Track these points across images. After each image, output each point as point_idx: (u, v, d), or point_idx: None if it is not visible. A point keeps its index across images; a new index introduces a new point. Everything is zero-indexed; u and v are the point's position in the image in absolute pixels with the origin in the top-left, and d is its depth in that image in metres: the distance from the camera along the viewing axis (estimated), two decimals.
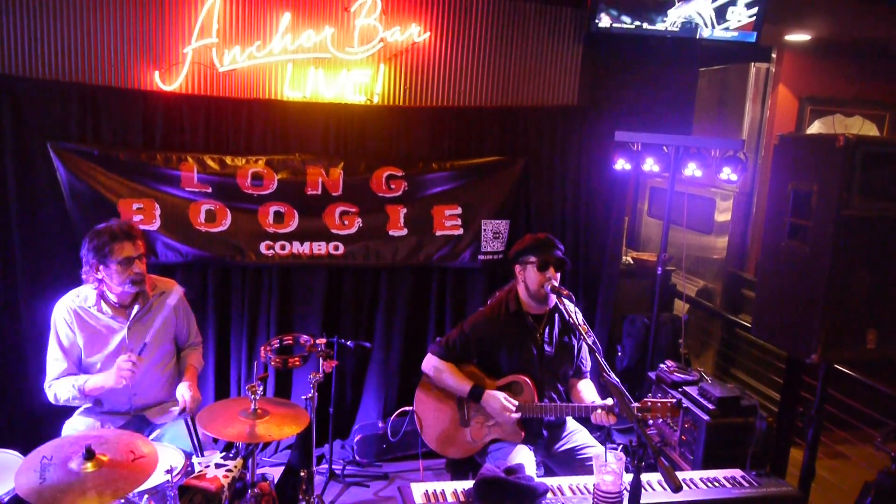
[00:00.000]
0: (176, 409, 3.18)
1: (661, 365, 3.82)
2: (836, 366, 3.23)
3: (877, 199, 2.65)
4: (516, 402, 3.14)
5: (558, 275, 3.23)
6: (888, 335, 2.76)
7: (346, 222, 4.28)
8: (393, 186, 4.30)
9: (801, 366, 3.71)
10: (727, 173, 3.93)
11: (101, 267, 3.04)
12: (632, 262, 5.56)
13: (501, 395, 3.15)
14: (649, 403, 2.88)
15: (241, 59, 4.08)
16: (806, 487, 3.04)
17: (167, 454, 2.84)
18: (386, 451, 4.43)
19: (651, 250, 6.29)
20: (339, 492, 4.08)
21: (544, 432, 3.30)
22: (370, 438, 4.40)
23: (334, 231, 4.27)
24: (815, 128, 6.22)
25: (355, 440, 4.39)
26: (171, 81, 4.02)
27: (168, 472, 2.60)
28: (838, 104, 6.27)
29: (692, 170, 4.02)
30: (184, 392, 3.12)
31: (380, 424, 4.49)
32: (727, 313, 5.48)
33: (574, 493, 2.70)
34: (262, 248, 4.19)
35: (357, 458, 4.37)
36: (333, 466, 4.18)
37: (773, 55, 6.12)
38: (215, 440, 4.00)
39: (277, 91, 4.20)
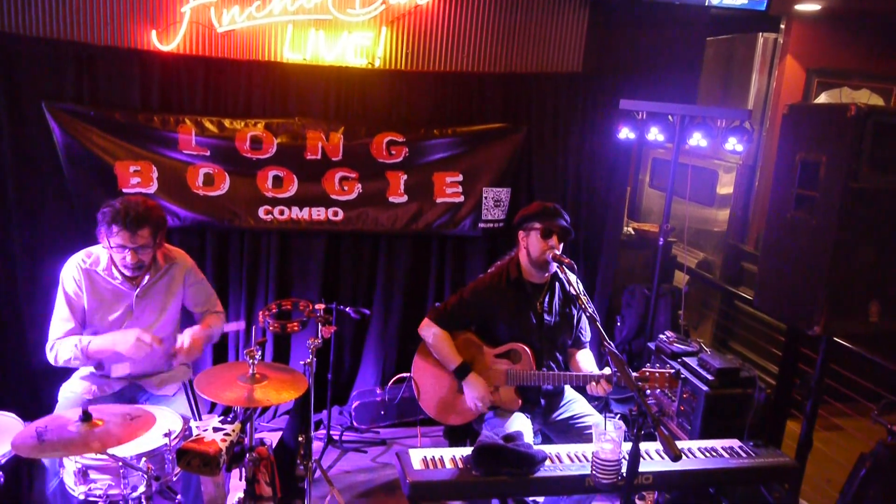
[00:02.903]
0: (174, 387, 3.16)
1: (661, 335, 3.81)
2: (835, 339, 3.22)
3: (885, 171, 2.62)
4: (490, 402, 3.14)
5: (561, 245, 3.20)
6: (891, 309, 2.74)
7: (346, 188, 4.23)
8: (393, 152, 4.24)
9: (800, 338, 3.71)
10: (733, 143, 3.88)
11: (105, 238, 2.98)
12: (633, 232, 5.53)
13: (483, 388, 3.14)
14: (648, 373, 2.87)
15: (240, 19, 3.99)
16: (802, 458, 3.05)
17: (165, 418, 2.84)
18: (384, 418, 4.45)
19: (652, 222, 6.26)
20: (336, 457, 4.10)
21: (542, 401, 3.30)
22: (368, 405, 4.41)
23: (334, 197, 4.23)
24: (821, 100, 6.14)
25: (353, 406, 4.40)
26: (169, 41, 3.94)
27: (166, 435, 2.61)
28: (846, 77, 6.19)
29: (697, 139, 3.96)
30: (185, 338, 3.05)
31: (378, 391, 4.50)
32: (727, 285, 5.47)
33: (572, 460, 2.71)
34: (261, 212, 4.15)
35: (355, 424, 4.38)
36: (331, 432, 4.19)
37: (782, 26, 6.03)
38: (213, 406, 4.03)
39: (277, 53, 4.12)
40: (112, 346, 2.95)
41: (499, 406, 3.20)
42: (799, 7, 5.64)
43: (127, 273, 3.04)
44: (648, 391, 3.05)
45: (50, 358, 3.03)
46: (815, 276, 2.66)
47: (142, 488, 2.55)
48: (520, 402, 3.19)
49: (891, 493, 2.59)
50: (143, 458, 2.56)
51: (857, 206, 2.58)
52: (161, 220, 3.03)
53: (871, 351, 3.45)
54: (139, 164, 3.93)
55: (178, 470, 2.68)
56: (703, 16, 4.68)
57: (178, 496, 2.93)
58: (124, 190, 3.90)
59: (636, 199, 7.45)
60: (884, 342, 3.75)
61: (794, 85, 6.08)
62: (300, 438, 3.19)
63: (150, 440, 2.61)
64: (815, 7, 5.59)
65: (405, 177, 4.29)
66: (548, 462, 2.67)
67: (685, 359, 3.59)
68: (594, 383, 3.03)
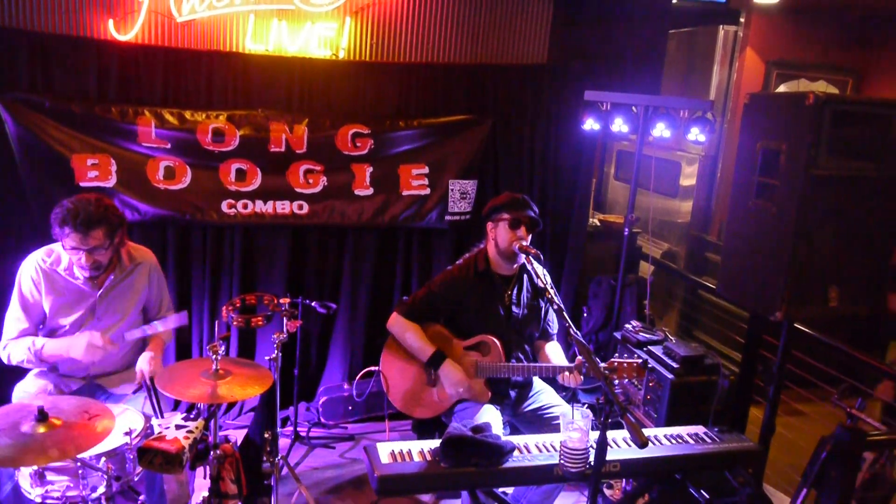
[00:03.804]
0: (133, 385, 3.09)
1: (627, 325, 3.84)
2: (797, 325, 3.27)
3: (844, 157, 2.67)
4: (468, 386, 3.14)
5: (529, 237, 3.20)
6: (850, 293, 2.80)
7: (311, 181, 4.18)
8: (359, 144, 4.20)
9: (762, 325, 3.77)
10: (695, 133, 3.92)
11: (59, 239, 2.89)
12: (598, 224, 5.57)
13: (460, 371, 3.13)
14: (616, 364, 2.89)
15: (200, 8, 3.90)
16: (766, 442, 3.10)
17: (126, 417, 2.77)
18: (352, 413, 4.41)
19: (617, 213, 6.32)
20: (304, 453, 4.06)
21: (511, 392, 3.30)
22: (336, 400, 4.37)
23: (298, 190, 4.17)
24: (780, 91, 6.25)
25: (320, 402, 4.35)
26: (127, 31, 3.84)
27: (127, 434, 2.55)
28: (803, 69, 6.32)
29: (661, 130, 3.99)
30: (143, 365, 3.00)
31: (345, 386, 4.46)
32: (691, 275, 5.55)
33: (540, 450, 2.71)
34: (224, 206, 4.07)
35: (322, 420, 4.34)
36: (298, 429, 4.14)
37: (742, 19, 6.12)
38: (176, 404, 3.95)
39: (239, 43, 4.05)
40: (66, 352, 2.88)
41: (469, 398, 3.19)
42: (758, 0, 5.73)
43: (85, 274, 2.95)
44: (617, 381, 3.07)
45: (2, 357, 2.95)
46: (776, 263, 2.70)
47: (102, 489, 2.49)
48: (489, 394, 3.19)
49: (850, 473, 2.64)
50: (103, 458, 2.49)
51: (817, 192, 2.63)
52: (117, 218, 2.93)
53: (831, 336, 3.52)
54: (97, 156, 3.83)
55: (139, 469, 2.63)
56: (667, 7, 4.72)
57: (142, 496, 2.86)
58: (81, 184, 3.79)
59: (601, 191, 7.52)
60: (843, 328, 3.85)
61: (754, 76, 6.19)
62: (266, 435, 3.14)
63: (111, 439, 2.54)
64: (774, 0, 5.68)
65: (371, 169, 4.25)
66: (516, 452, 2.67)
67: (651, 347, 3.62)
68: (567, 374, 3.04)
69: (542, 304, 3.35)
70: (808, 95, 2.57)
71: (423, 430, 3.38)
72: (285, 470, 3.63)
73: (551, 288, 2.99)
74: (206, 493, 2.63)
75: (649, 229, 5.07)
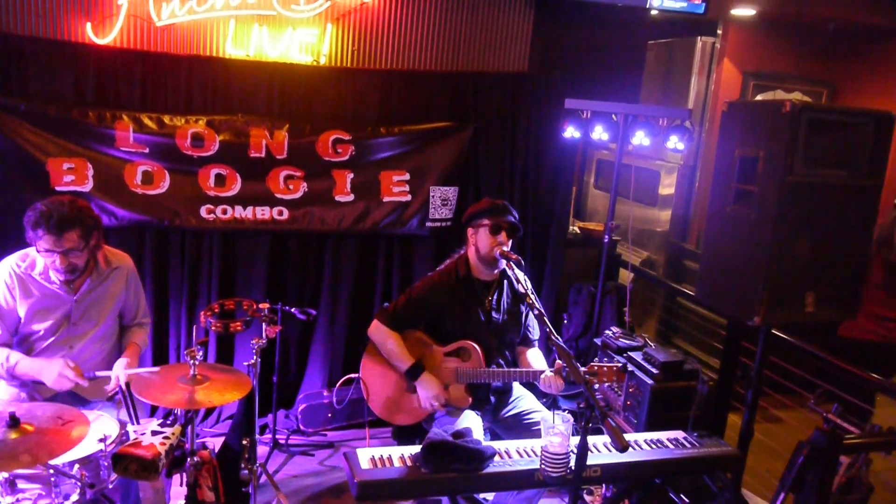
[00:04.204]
0: (109, 392, 3.04)
1: (607, 331, 3.85)
2: (774, 331, 3.31)
3: (819, 165, 2.70)
4: (444, 401, 3.13)
5: (510, 242, 3.21)
6: (826, 299, 2.83)
7: (291, 187, 4.16)
8: (340, 150, 4.19)
9: (741, 331, 3.81)
10: (674, 142, 3.96)
11: (33, 242, 2.84)
12: (579, 231, 5.59)
13: (436, 386, 3.13)
14: (596, 368, 2.89)
15: (180, 12, 3.88)
16: (744, 447, 3.12)
17: (101, 423, 2.72)
18: (331, 420, 4.37)
19: (597, 221, 6.35)
20: (282, 461, 4.02)
21: (492, 398, 3.29)
22: (315, 407, 4.34)
23: (279, 196, 4.15)
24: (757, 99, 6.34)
25: (300, 409, 4.31)
26: (105, 34, 3.80)
27: (101, 440, 2.50)
28: (779, 80, 6.41)
29: (640, 138, 4.03)
30: (119, 372, 2.92)
31: (325, 393, 4.42)
32: (670, 281, 5.59)
33: (521, 455, 2.70)
34: (203, 212, 4.04)
35: (302, 427, 4.30)
36: (277, 436, 4.10)
37: (720, 31, 6.20)
38: (153, 410, 3.89)
39: (219, 48, 4.03)
40: (37, 375, 2.82)
41: (449, 404, 3.18)
42: (735, 11, 5.82)
43: (60, 277, 2.90)
44: (597, 385, 3.08)
45: None
46: (754, 268, 2.73)
47: (75, 496, 2.44)
48: (470, 399, 3.18)
49: (828, 476, 2.67)
50: (77, 465, 2.45)
51: (793, 199, 2.66)
52: (92, 221, 2.88)
53: (808, 342, 3.57)
54: (73, 161, 3.78)
55: (114, 477, 2.58)
56: (645, 17, 4.78)
57: None
58: (57, 188, 3.74)
59: (581, 200, 7.55)
60: (820, 334, 3.89)
61: (731, 87, 6.28)
62: (244, 442, 3.11)
63: (85, 446, 2.49)
64: (751, 12, 5.77)
65: (351, 175, 4.24)
66: (497, 458, 2.66)
67: (631, 353, 3.63)
68: (548, 378, 3.04)
69: (523, 309, 3.35)
70: (784, 103, 2.60)
71: (403, 436, 3.36)
72: (264, 478, 3.59)
73: (532, 293, 2.99)
74: (182, 501, 2.60)
75: (629, 238, 5.10)
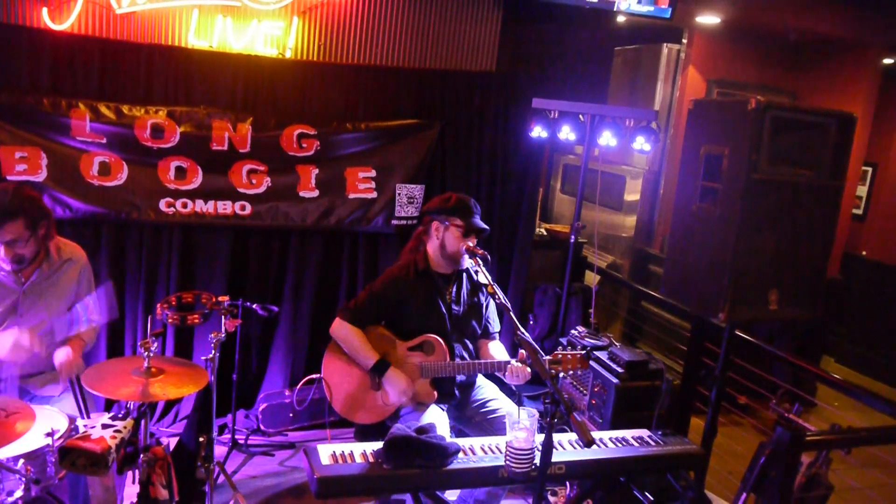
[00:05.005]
0: (59, 387, 2.92)
1: (573, 330, 3.85)
2: (738, 332, 3.32)
3: (783, 164, 2.74)
4: (413, 392, 3.09)
5: (475, 239, 3.19)
6: (788, 297, 2.86)
7: (254, 181, 4.07)
8: (304, 145, 4.11)
9: (704, 330, 3.83)
10: (640, 143, 3.96)
11: None
12: (545, 233, 5.59)
13: (404, 379, 3.08)
14: (560, 356, 2.88)
15: (141, 0, 3.78)
16: (708, 446, 3.12)
17: (49, 417, 2.60)
18: (293, 421, 4.28)
19: (563, 225, 6.36)
20: (241, 462, 3.91)
21: (456, 392, 3.25)
22: (276, 407, 4.24)
23: (241, 190, 4.06)
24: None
25: (260, 409, 4.21)
26: (62, 20, 3.69)
27: (49, 435, 2.39)
28: (742, 88, 6.52)
29: (607, 139, 4.03)
30: (61, 356, 2.81)
31: (286, 393, 4.32)
32: (635, 283, 5.62)
33: (486, 452, 2.67)
34: (162, 205, 3.93)
35: (262, 427, 4.19)
36: (236, 436, 3.99)
37: (685, 40, 6.29)
38: (108, 407, 3.75)
39: (181, 38, 3.94)
40: None
41: (414, 400, 3.13)
42: (700, 19, 5.90)
43: (6, 267, 2.78)
44: (562, 374, 3.05)
45: None
46: (719, 266, 2.75)
47: (19, 493, 2.32)
48: (436, 394, 3.13)
49: (790, 473, 2.68)
50: (21, 460, 2.33)
51: (758, 196, 2.69)
52: (38, 210, 2.77)
53: (770, 344, 3.60)
54: (26, 149, 3.65)
55: (62, 473, 2.46)
56: (613, 20, 4.81)
57: None
58: (9, 177, 3.60)
59: (548, 204, 7.58)
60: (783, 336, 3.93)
61: (696, 94, 6.33)
62: (201, 439, 3.00)
63: (31, 440, 2.38)
64: (715, 20, 5.86)
65: (316, 171, 4.17)
66: (461, 454, 2.61)
67: (596, 353, 3.62)
68: (516, 365, 3.01)
69: (483, 299, 3.33)
70: (749, 101, 2.63)
71: (366, 436, 3.26)
72: (222, 478, 3.49)
73: (492, 283, 2.94)
74: (134, 500, 2.49)
75: (595, 242, 5.11)
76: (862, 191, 7.81)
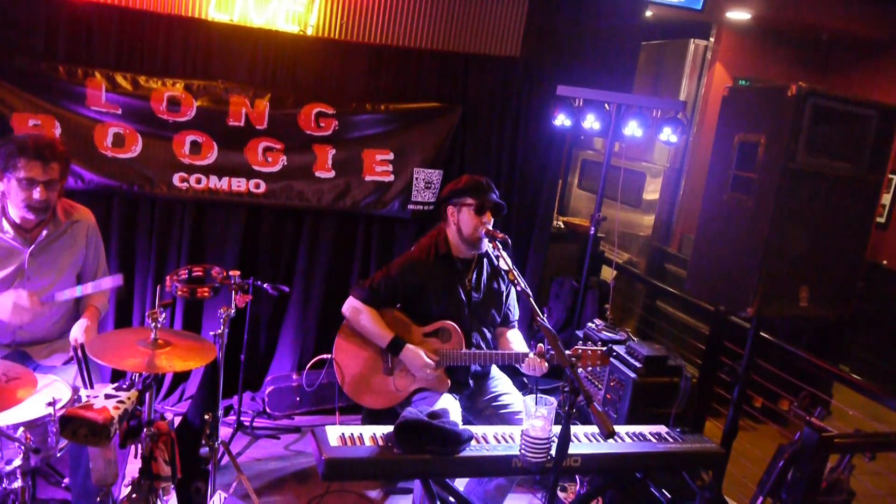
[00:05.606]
0: (65, 356, 2.86)
1: (589, 323, 3.74)
2: (761, 333, 3.21)
3: (821, 155, 2.61)
4: (436, 359, 2.99)
5: (493, 220, 3.09)
6: (819, 296, 2.74)
7: (270, 159, 3.99)
8: (322, 125, 4.03)
9: (724, 330, 3.72)
10: (667, 134, 3.87)
11: (4, 177, 2.66)
12: (563, 226, 5.49)
13: (422, 352, 2.99)
14: (580, 351, 2.79)
15: None
16: (728, 445, 3.02)
17: (52, 387, 2.54)
18: (300, 405, 4.20)
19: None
20: (246, 444, 3.84)
21: (470, 382, 3.16)
22: (283, 390, 4.16)
23: (256, 168, 3.98)
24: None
25: (267, 392, 4.13)
26: None
27: (50, 404, 2.32)
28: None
29: (633, 129, 3.94)
30: (77, 334, 2.79)
31: (294, 376, 4.25)
32: (653, 280, 5.51)
33: (499, 441, 2.58)
34: (176, 179, 3.85)
35: (268, 410, 4.12)
36: (242, 418, 3.92)
37: (712, 38, 6.16)
38: (114, 378, 3.69)
39: (202, 10, 3.84)
40: None
41: (427, 387, 3.04)
42: (730, 14, 5.77)
43: (30, 217, 2.73)
44: (581, 370, 2.96)
45: None
46: (749, 258, 2.63)
47: (17, 462, 2.25)
48: (449, 382, 3.05)
49: (816, 475, 2.57)
50: (22, 428, 2.26)
51: (793, 187, 2.56)
52: (68, 161, 2.79)
53: (794, 346, 3.49)
54: (40, 117, 3.58)
55: (63, 444, 2.40)
56: (642, 10, 4.69)
57: (66, 479, 2.63)
58: None
59: (565, 199, 7.47)
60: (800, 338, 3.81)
61: (722, 91, 6.22)
62: (206, 417, 2.93)
63: (32, 408, 2.31)
64: (746, 16, 5.73)
65: (333, 151, 4.09)
66: (473, 442, 2.52)
67: (613, 346, 3.52)
68: (535, 358, 2.92)
69: (503, 286, 3.24)
70: (790, 87, 2.51)
71: (375, 421, 3.19)
72: (225, 458, 3.42)
73: (515, 270, 2.86)
74: (136, 476, 2.42)
75: (615, 239, 5.00)
76: (886, 199, 7.64)
